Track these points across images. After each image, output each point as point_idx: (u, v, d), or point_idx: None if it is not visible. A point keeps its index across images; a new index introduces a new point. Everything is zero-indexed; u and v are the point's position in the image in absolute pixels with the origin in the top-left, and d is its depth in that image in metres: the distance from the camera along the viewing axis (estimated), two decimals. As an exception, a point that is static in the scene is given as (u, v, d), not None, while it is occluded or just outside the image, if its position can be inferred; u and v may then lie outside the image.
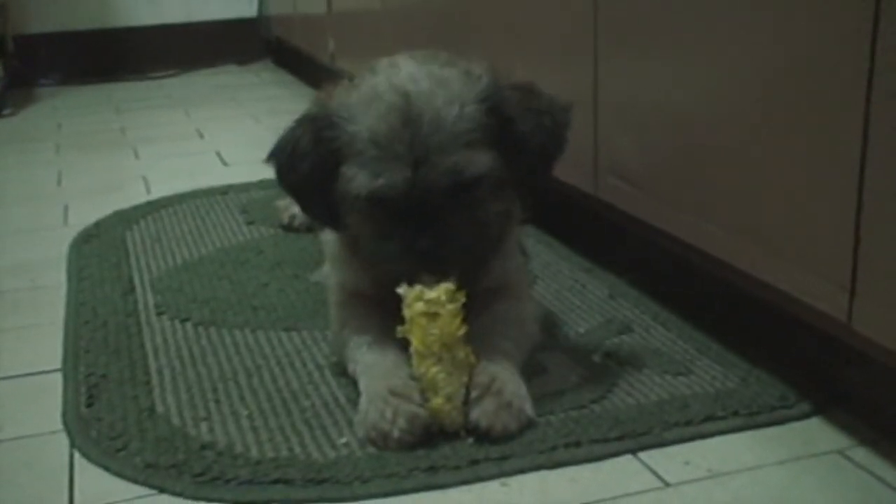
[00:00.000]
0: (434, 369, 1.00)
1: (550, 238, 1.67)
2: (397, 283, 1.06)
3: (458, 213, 1.07)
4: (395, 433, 1.01)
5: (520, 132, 1.11)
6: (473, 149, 1.07)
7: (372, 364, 1.10)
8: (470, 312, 1.07)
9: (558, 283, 1.48)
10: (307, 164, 1.13)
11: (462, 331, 1.02)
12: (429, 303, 1.00)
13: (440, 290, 1.01)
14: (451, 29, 1.88)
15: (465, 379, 1.03)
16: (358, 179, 1.08)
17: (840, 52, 0.92)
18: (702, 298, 1.34)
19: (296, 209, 1.80)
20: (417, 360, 1.02)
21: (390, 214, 1.08)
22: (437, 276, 1.05)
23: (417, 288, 1.02)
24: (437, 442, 1.02)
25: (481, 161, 1.08)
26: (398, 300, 1.05)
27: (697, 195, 1.20)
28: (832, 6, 0.93)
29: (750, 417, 1.07)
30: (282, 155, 1.17)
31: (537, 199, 1.20)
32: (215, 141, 2.69)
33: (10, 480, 1.03)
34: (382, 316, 1.15)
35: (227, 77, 3.84)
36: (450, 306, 1.01)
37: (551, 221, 1.70)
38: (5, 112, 3.20)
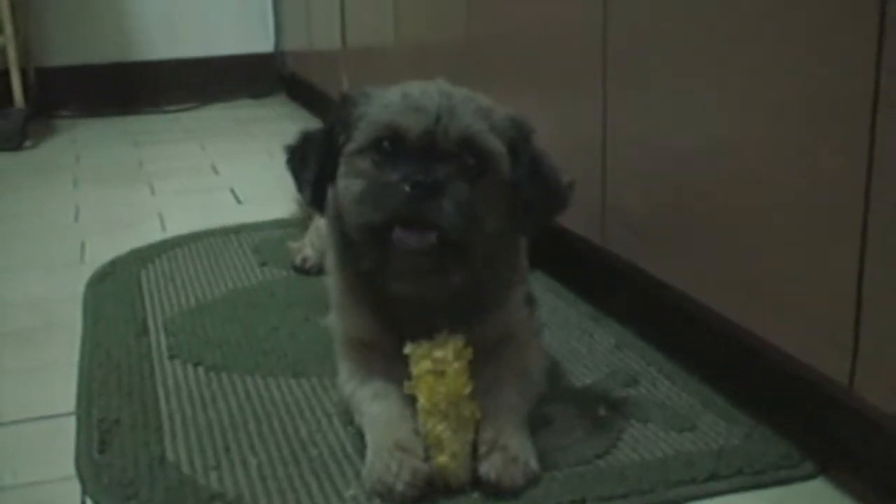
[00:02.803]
0: (440, 427, 1.02)
1: (559, 285, 1.69)
2: (376, 242, 1.10)
3: (462, 174, 1.09)
4: (399, 487, 1.02)
5: (538, 166, 1.17)
6: (494, 135, 1.13)
7: (377, 416, 1.12)
8: (476, 362, 1.08)
9: (566, 331, 1.50)
10: (321, 133, 1.20)
11: (468, 389, 1.04)
12: (436, 361, 1.02)
13: (447, 349, 1.03)
14: (463, 66, 1.91)
15: (470, 436, 1.04)
16: (379, 116, 1.12)
17: (841, 112, 0.94)
18: (708, 350, 1.35)
19: (308, 251, 1.82)
20: (424, 416, 1.04)
21: (395, 157, 1.10)
22: (421, 222, 1.06)
23: (425, 346, 1.04)
24: (443, 497, 1.03)
25: (498, 145, 1.13)
26: (403, 348, 1.07)
27: (702, 249, 1.21)
28: (834, 62, 0.95)
29: (754, 476, 1.08)
30: (303, 134, 1.24)
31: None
32: (230, 177, 2.72)
33: (22, 527, 1.05)
34: (387, 365, 1.17)
35: (242, 111, 3.89)
36: (456, 364, 1.03)
37: (560, 268, 1.72)
38: (26, 144, 3.25)
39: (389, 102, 1.13)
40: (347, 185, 1.14)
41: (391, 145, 1.11)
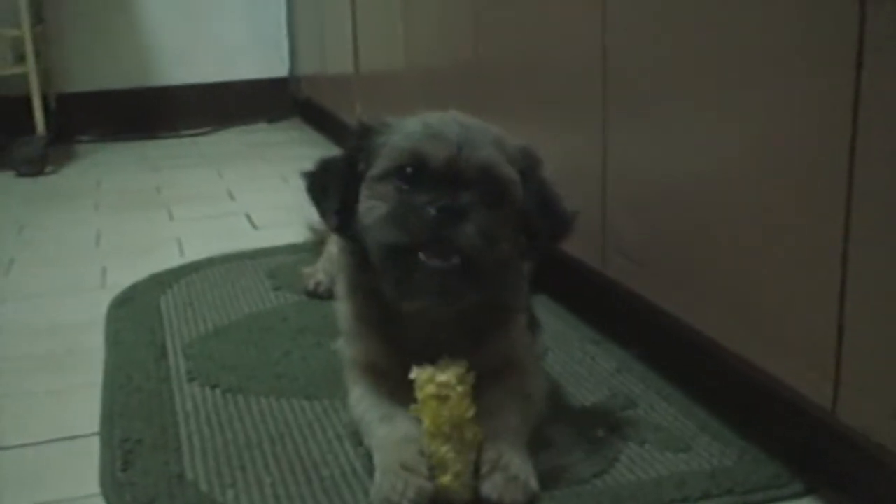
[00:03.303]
0: (444, 448, 1.07)
1: (562, 309, 1.75)
2: (398, 271, 1.15)
3: (482, 201, 1.15)
4: (404, 505, 1.08)
5: (546, 194, 1.24)
6: (510, 166, 1.19)
7: (385, 438, 1.17)
8: (479, 386, 1.14)
9: (568, 354, 1.55)
10: (342, 158, 1.25)
11: (471, 412, 1.09)
12: (440, 385, 1.08)
13: (451, 374, 1.09)
14: (470, 91, 1.98)
15: (473, 457, 1.10)
16: (402, 144, 1.18)
17: (825, 148, 0.99)
18: (705, 375, 1.40)
19: (321, 276, 1.88)
20: (428, 439, 1.09)
21: (417, 182, 1.16)
22: (445, 245, 1.12)
23: (429, 370, 1.09)
24: (447, 515, 1.09)
25: (513, 174, 1.19)
26: (409, 372, 1.12)
27: (697, 277, 1.27)
28: (814, 108, 1.00)
29: (744, 495, 1.12)
30: (321, 161, 1.30)
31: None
32: (245, 203, 2.79)
33: (50, 543, 1.11)
34: (395, 389, 1.22)
35: (257, 135, 3.96)
36: (459, 389, 1.08)
37: (564, 293, 1.78)
38: (47, 170, 3.33)
39: (411, 131, 1.20)
40: (371, 208, 1.19)
41: (414, 172, 1.17)
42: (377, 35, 2.79)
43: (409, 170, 1.17)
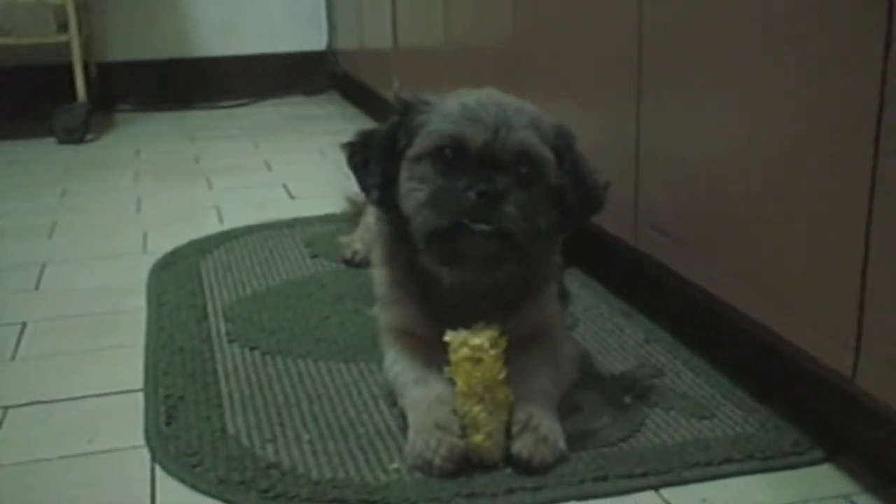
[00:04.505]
0: (476, 409, 1.12)
1: (593, 281, 1.78)
2: (435, 247, 1.19)
3: (518, 182, 1.19)
4: (437, 461, 1.12)
5: (579, 171, 1.27)
6: (544, 145, 1.23)
7: (418, 399, 1.21)
8: (511, 353, 1.18)
9: (598, 325, 1.59)
10: (384, 134, 1.28)
11: (503, 374, 1.13)
12: (473, 348, 1.12)
13: (483, 337, 1.13)
14: (509, 69, 2.01)
15: (504, 418, 1.14)
16: (441, 126, 1.21)
17: (850, 128, 1.02)
18: (730, 345, 1.43)
19: (358, 245, 1.93)
20: (461, 399, 1.13)
21: (456, 165, 1.19)
22: (485, 226, 1.16)
23: (463, 334, 1.14)
24: (478, 472, 1.13)
25: (548, 154, 1.23)
26: (443, 336, 1.17)
27: (724, 251, 1.30)
28: (842, 89, 1.03)
29: (765, 461, 1.16)
30: (362, 134, 1.33)
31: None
32: (282, 173, 2.84)
33: (99, 489, 1.17)
34: (428, 352, 1.27)
35: (294, 108, 4.01)
36: (492, 352, 1.12)
37: (595, 266, 1.81)
38: (88, 137, 3.41)
39: (450, 112, 1.23)
40: (411, 190, 1.23)
41: (452, 154, 1.21)
42: (416, 10, 2.81)
43: (447, 152, 1.20)
